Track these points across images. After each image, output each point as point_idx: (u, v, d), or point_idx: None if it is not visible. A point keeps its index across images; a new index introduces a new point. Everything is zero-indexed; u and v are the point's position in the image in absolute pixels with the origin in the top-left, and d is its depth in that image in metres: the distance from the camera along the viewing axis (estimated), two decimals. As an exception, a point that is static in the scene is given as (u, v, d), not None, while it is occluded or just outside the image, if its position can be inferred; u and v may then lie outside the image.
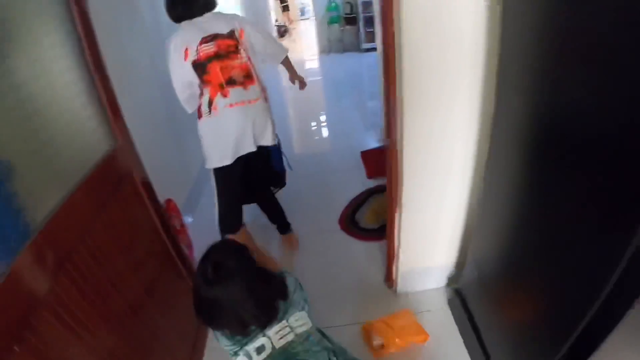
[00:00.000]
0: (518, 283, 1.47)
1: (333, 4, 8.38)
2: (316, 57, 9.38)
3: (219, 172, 2.14)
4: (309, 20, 16.84)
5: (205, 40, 1.97)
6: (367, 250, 2.62)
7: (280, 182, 2.63)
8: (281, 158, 2.52)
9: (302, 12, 18.09)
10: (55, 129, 1.30)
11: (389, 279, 2.30)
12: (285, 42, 12.42)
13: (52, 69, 1.32)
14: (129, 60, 2.48)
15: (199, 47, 1.95)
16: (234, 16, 2.19)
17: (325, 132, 5.02)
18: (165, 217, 1.94)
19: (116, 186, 1.57)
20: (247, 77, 2.07)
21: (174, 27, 2.07)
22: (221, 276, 1.22)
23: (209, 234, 2.79)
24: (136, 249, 1.64)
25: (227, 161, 2.08)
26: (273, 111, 2.24)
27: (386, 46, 1.48)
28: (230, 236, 2.09)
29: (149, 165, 1.81)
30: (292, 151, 4.37)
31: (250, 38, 2.11)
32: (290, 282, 1.39)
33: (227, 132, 2.04)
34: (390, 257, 2.19)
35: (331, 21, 8.54)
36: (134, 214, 1.68)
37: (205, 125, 2.07)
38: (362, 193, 3.12)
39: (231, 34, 2.03)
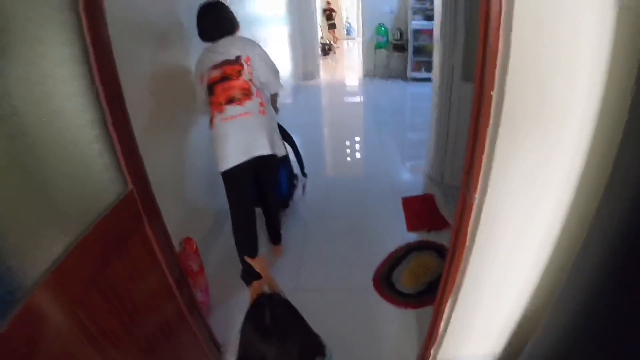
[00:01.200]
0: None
1: (382, 28, 8.13)
2: (359, 80, 9.15)
3: (223, 176, 2.37)
4: (354, 41, 16.84)
5: (215, 66, 2.28)
6: (401, 318, 2.29)
7: (283, 204, 2.90)
8: (287, 182, 2.80)
9: (348, 31, 18.16)
10: (53, 167, 1.07)
11: (423, 362, 1.97)
12: (328, 60, 12.32)
13: (55, 90, 1.08)
14: (160, 72, 2.32)
15: (209, 72, 2.29)
16: (247, 42, 2.43)
17: (362, 164, 4.71)
18: (182, 276, 1.67)
19: (124, 239, 1.31)
20: (245, 95, 2.30)
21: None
22: (278, 328, 1.17)
23: (228, 274, 2.59)
24: (141, 318, 1.38)
25: (226, 166, 2.29)
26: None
27: (482, 90, 1.16)
28: (247, 259, 2.05)
29: (166, 195, 1.56)
30: (325, 184, 4.10)
31: (255, 64, 2.36)
32: (327, 350, 1.36)
33: (222, 142, 2.28)
34: (430, 340, 1.87)
35: (378, 46, 8.28)
36: (143, 274, 1.41)
37: (211, 138, 2.35)
38: (401, 248, 2.80)
39: (237, 59, 2.30)
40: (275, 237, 2.91)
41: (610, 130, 1.05)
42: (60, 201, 1.09)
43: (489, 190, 1.22)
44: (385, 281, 2.51)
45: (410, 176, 4.11)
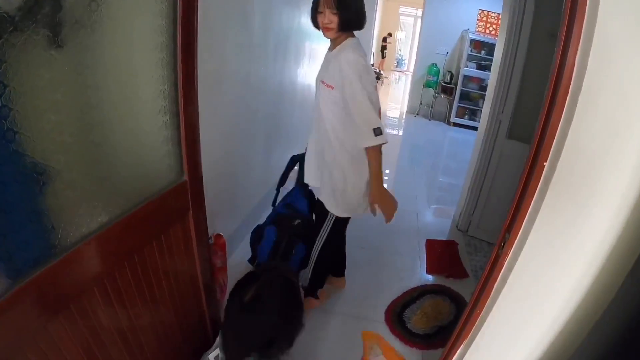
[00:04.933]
0: None
1: (434, 69, 8.22)
2: (402, 115, 9.22)
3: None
4: (403, 74, 16.97)
5: None
6: (407, 356, 2.30)
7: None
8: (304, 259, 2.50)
9: (398, 63, 18.29)
10: (121, 140, 1.16)
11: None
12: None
13: (140, 61, 1.17)
14: (226, 73, 2.36)
15: None
16: None
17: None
18: (210, 270, 1.75)
19: (166, 225, 1.40)
20: None
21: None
22: (255, 309, 1.25)
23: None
24: (164, 296, 1.45)
25: None
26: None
27: (536, 159, 1.22)
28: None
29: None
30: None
31: None
32: None
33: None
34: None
35: (428, 85, 8.36)
36: (175, 261, 1.49)
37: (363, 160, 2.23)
38: (417, 288, 2.81)
39: None
40: (339, 271, 2.75)
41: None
42: (120, 175, 1.18)
43: (523, 252, 1.27)
44: (396, 317, 2.53)
45: (437, 219, 4.14)
